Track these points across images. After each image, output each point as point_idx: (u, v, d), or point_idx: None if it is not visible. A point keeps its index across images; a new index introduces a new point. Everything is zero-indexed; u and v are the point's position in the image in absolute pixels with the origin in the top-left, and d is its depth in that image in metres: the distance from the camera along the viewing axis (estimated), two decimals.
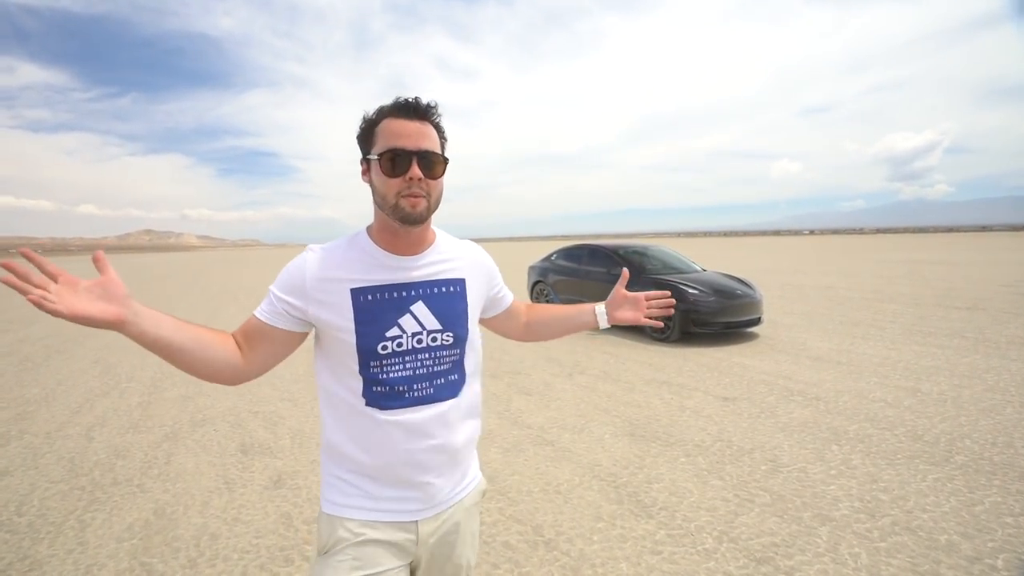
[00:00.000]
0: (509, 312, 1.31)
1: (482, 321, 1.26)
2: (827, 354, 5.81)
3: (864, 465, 3.07)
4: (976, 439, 3.39)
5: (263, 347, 1.02)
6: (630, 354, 6.17)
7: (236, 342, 1.01)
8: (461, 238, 1.19)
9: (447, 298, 1.07)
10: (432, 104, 1.00)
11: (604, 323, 1.31)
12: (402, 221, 0.98)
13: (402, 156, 0.96)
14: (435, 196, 1.01)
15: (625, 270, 1.37)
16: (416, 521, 1.06)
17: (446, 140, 1.05)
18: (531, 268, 9.76)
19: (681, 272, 7.70)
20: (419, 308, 1.03)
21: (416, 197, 0.96)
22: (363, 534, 1.02)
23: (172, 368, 5.89)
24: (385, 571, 1.02)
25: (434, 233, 1.10)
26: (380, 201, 1.00)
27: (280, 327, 1.01)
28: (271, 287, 1.02)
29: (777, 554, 2.25)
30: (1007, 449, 3.23)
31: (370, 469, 1.03)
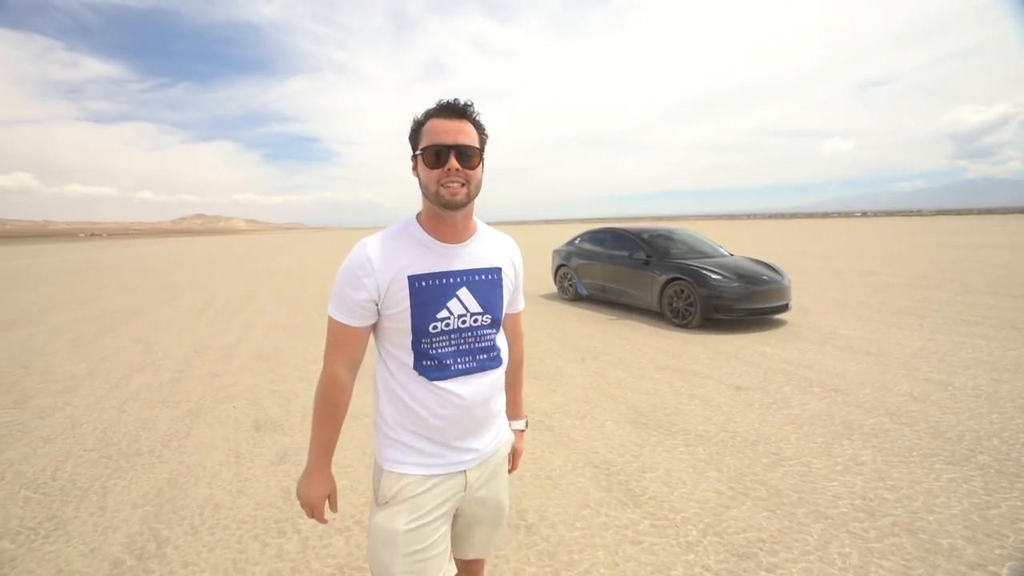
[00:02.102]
0: (508, 322, 1.38)
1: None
2: (856, 343, 5.52)
3: (874, 462, 2.92)
4: (1006, 438, 3.16)
5: (359, 350, 1.20)
6: (648, 340, 6.05)
7: (342, 377, 1.19)
8: (496, 224, 1.24)
9: (487, 285, 1.21)
10: (469, 104, 1.14)
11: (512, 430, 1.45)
12: (444, 207, 1.12)
13: (442, 150, 1.09)
14: (473, 184, 1.14)
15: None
16: (464, 471, 1.22)
17: (486, 136, 1.17)
18: (555, 252, 9.68)
19: (707, 256, 7.46)
20: (464, 293, 1.18)
21: (454, 185, 1.10)
22: (419, 488, 1.17)
23: (204, 347, 6.28)
24: (435, 519, 1.19)
25: (476, 224, 1.24)
26: (425, 190, 1.14)
27: (364, 325, 1.17)
28: (344, 291, 1.14)
29: (761, 550, 2.19)
30: None
31: (424, 430, 1.18)
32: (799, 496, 2.59)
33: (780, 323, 6.69)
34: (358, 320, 1.15)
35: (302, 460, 3.21)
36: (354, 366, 1.21)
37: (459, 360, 1.18)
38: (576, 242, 9.15)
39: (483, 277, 1.21)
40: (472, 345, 1.20)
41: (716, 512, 2.48)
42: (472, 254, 1.21)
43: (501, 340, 1.29)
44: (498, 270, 1.24)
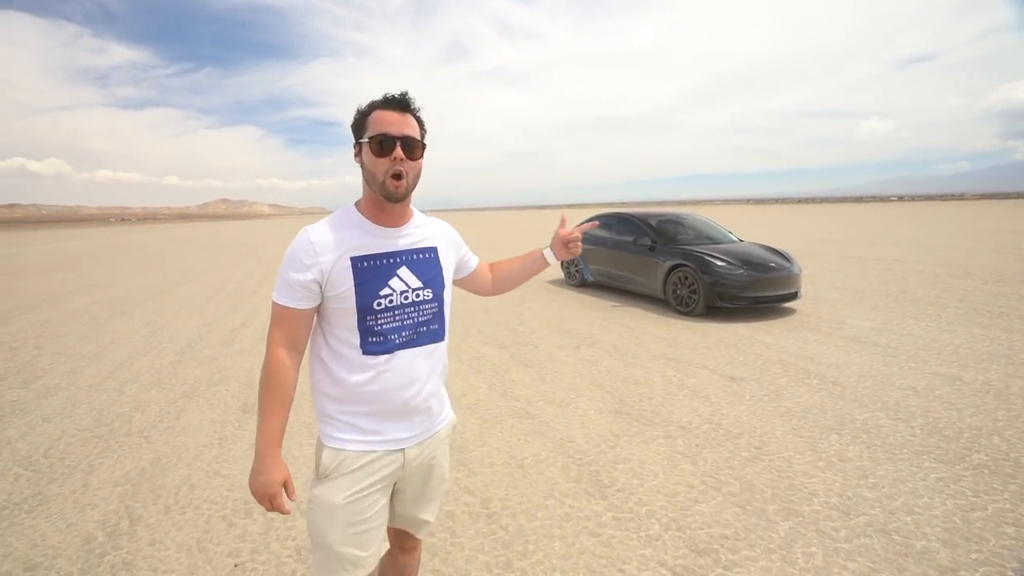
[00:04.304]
0: (476, 272, 1.55)
1: (455, 282, 1.49)
2: (865, 334, 5.30)
3: (859, 458, 2.80)
4: (1007, 437, 2.99)
5: (303, 332, 1.23)
6: (648, 328, 5.94)
7: (286, 358, 1.20)
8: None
9: (425, 263, 1.30)
10: (413, 99, 1.22)
11: (553, 261, 1.54)
12: (387, 199, 1.20)
13: (388, 140, 1.17)
14: (413, 175, 1.22)
15: (562, 214, 1.55)
16: (403, 449, 1.27)
17: (426, 131, 1.26)
18: None
19: (715, 242, 7.25)
20: (404, 271, 1.24)
21: (399, 179, 1.18)
22: (357, 463, 1.22)
23: (209, 331, 6.42)
24: (371, 493, 1.24)
25: (412, 210, 1.34)
26: (370, 179, 1.20)
27: (307, 307, 1.20)
28: (288, 275, 1.17)
29: (723, 547, 2.11)
30: None
31: (364, 406, 1.22)
32: (773, 492, 2.50)
33: (789, 312, 6.47)
34: (299, 302, 1.19)
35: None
36: (296, 348, 1.23)
37: (402, 333, 1.24)
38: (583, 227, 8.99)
39: (421, 256, 1.29)
40: (415, 319, 1.26)
41: (683, 506, 2.41)
42: (410, 235, 1.29)
43: (447, 316, 1.36)
44: (434, 249, 1.33)
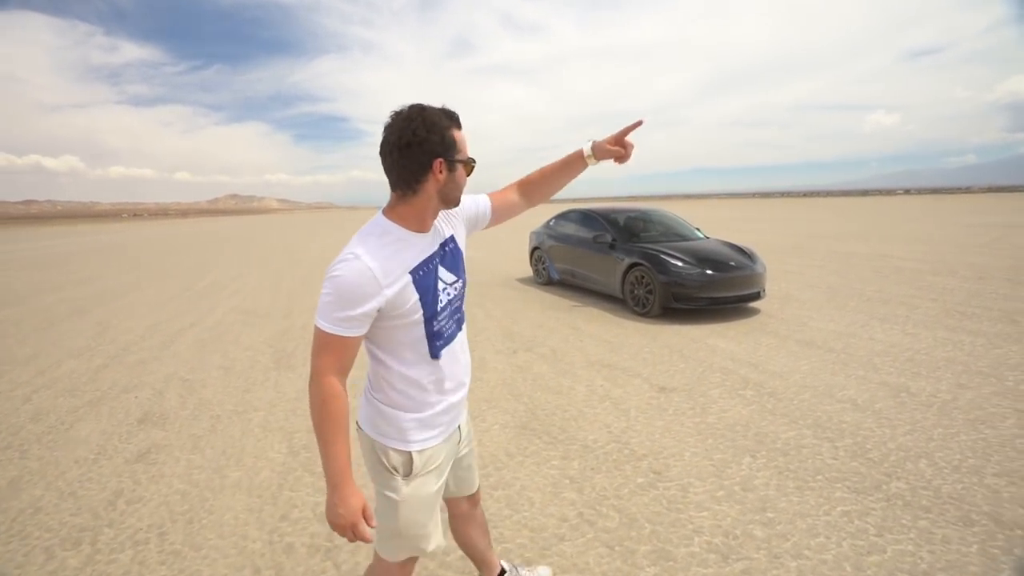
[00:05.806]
0: (496, 208, 1.50)
1: (489, 227, 1.53)
2: (823, 338, 4.99)
3: (765, 487, 2.52)
4: (936, 460, 2.70)
5: (354, 356, 1.20)
6: (597, 331, 5.65)
7: (339, 386, 1.17)
8: None
9: (452, 255, 1.34)
10: None
11: (589, 157, 1.45)
12: (453, 205, 1.28)
13: (473, 163, 1.27)
14: None
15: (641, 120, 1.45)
16: (459, 425, 1.44)
17: None
18: (532, 234, 9.27)
19: (680, 239, 6.94)
20: (441, 271, 1.28)
21: None
22: (441, 453, 1.34)
23: (155, 331, 6.23)
24: (445, 473, 1.38)
25: None
26: (450, 192, 1.23)
27: (364, 333, 1.19)
28: (346, 309, 1.12)
29: None
30: (969, 477, 2.53)
31: (435, 403, 1.30)
32: (652, 529, 2.23)
33: (752, 312, 6.17)
34: (357, 330, 1.16)
35: (158, 459, 3.04)
36: (346, 372, 1.20)
37: (451, 326, 1.32)
38: (550, 223, 8.70)
39: (448, 249, 1.32)
40: (454, 309, 1.33)
41: (544, 545, 2.15)
42: (434, 234, 1.29)
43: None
44: (454, 238, 1.36)
